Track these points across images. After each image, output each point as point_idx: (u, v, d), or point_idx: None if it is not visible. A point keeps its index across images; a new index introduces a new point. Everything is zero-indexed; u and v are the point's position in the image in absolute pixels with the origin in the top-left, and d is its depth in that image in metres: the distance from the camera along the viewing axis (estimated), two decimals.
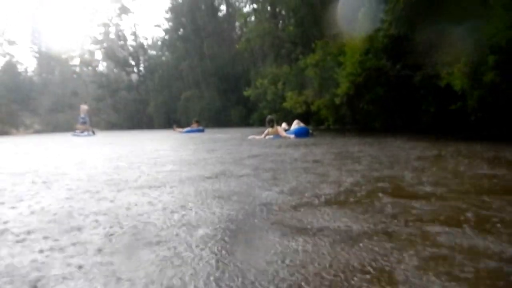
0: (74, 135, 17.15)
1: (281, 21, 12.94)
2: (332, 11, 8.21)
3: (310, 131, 8.07)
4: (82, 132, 17.38)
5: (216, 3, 26.51)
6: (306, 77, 9.72)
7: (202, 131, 15.02)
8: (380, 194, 1.92)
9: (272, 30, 11.72)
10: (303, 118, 9.29)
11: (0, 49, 43.34)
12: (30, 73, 43.80)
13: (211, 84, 24.18)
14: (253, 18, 16.91)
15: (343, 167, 3.10)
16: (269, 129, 8.28)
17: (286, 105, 8.87)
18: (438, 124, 6.64)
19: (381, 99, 6.63)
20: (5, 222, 1.60)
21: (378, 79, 6.44)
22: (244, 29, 19.37)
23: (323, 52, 7.68)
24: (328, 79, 7.51)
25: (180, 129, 16.27)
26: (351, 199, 1.86)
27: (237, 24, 25.24)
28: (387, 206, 1.67)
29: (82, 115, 17.88)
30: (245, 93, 12.00)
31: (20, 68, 43.71)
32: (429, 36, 5.69)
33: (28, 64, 44.17)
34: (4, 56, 43.47)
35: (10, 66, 42.97)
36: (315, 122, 9.39)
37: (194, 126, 15.57)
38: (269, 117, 8.49)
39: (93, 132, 18.65)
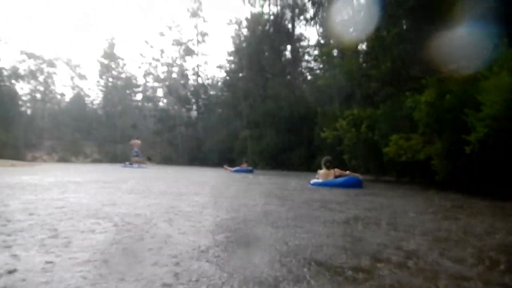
0: (125, 166, 18.21)
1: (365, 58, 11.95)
2: (440, 45, 7.17)
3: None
4: (132, 164, 18.40)
5: (281, 46, 26.49)
6: (400, 120, 8.58)
7: (251, 171, 15.09)
8: None
9: (361, 68, 10.75)
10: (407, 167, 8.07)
11: (71, 82, 46.66)
12: (95, 106, 46.19)
13: (272, 124, 23.52)
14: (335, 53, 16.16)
15: None
16: (323, 171, 7.53)
17: (388, 151, 7.62)
18: None
19: None
20: None
21: None
22: (325, 66, 18.60)
23: (440, 90, 6.48)
24: (444, 122, 6.27)
25: (230, 168, 16.45)
26: None
27: (303, 64, 24.95)
28: None
29: (135, 149, 19.07)
30: (323, 135, 10.93)
31: (87, 101, 46.45)
32: None
33: (94, 97, 46.35)
34: (74, 89, 46.59)
35: (78, 98, 45.74)
36: (420, 173, 8.06)
37: (243, 166, 15.92)
38: (327, 157, 7.76)
39: (146, 164, 19.26)
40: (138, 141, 19.61)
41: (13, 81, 40.57)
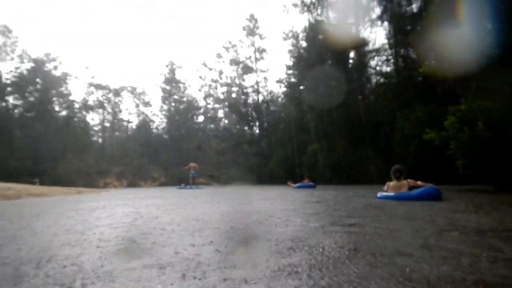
0: (180, 188, 19.45)
1: None
2: None
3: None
4: (190, 185, 19.69)
5: (345, 51, 24.96)
6: None
7: (313, 186, 14.68)
8: None
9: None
10: None
11: (137, 109, 48.69)
12: (160, 130, 47.60)
13: (343, 135, 21.88)
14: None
15: None
16: (393, 183, 6.47)
17: None
18: None
19: None
20: None
21: None
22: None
23: None
24: None
25: (293, 184, 16.06)
26: None
27: (371, 64, 23.21)
28: None
29: (191, 171, 20.41)
30: (425, 137, 9.14)
31: (152, 126, 48.07)
32: None
33: (159, 122, 47.88)
34: (139, 116, 48.53)
35: (144, 124, 47.49)
36: None
37: (306, 182, 15.57)
38: (397, 166, 6.65)
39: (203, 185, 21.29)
40: (193, 164, 21.01)
41: (84, 113, 43.27)
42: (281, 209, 5.06)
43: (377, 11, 21.84)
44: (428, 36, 13.02)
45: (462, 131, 8.07)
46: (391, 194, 6.28)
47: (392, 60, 21.63)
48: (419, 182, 6.31)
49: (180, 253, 2.04)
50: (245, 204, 6.40)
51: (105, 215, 4.55)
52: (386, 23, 21.19)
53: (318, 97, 25.73)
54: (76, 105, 41.30)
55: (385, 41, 22.30)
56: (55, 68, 38.39)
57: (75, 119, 40.74)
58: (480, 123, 7.83)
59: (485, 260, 1.75)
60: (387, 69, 22.25)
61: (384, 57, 22.35)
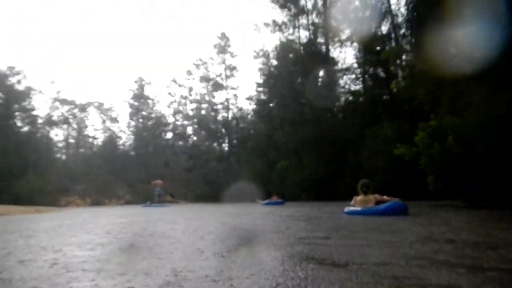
0: (145, 206, 19.03)
1: None
2: None
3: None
4: (154, 204, 19.25)
5: (315, 70, 25.31)
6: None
7: (282, 203, 14.79)
8: None
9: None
10: None
11: (103, 126, 47.04)
12: (127, 147, 46.09)
13: (312, 152, 21.86)
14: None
15: None
16: (360, 197, 6.44)
17: None
18: None
19: None
20: None
21: None
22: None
23: None
24: None
25: (261, 202, 16.13)
26: None
27: (340, 83, 23.62)
28: None
29: (157, 189, 20.08)
30: (396, 152, 9.11)
31: (119, 142, 46.47)
32: None
33: (126, 138, 46.42)
34: (106, 132, 46.87)
35: (110, 141, 45.86)
36: None
37: (274, 199, 15.64)
38: (364, 181, 6.65)
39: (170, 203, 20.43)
40: (160, 181, 20.71)
41: (47, 128, 41.34)
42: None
43: (347, 32, 22.39)
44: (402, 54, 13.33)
45: (433, 146, 8.06)
46: (359, 209, 6.24)
47: (361, 79, 22.12)
48: (385, 197, 6.31)
49: None
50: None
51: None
52: (355, 44, 21.73)
53: (288, 114, 25.84)
54: (40, 120, 39.40)
55: (354, 60, 22.89)
56: (19, 82, 36.58)
57: (38, 135, 38.80)
58: (450, 138, 7.85)
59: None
60: (356, 87, 22.73)
61: (353, 76, 22.85)
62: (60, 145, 44.41)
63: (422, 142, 8.31)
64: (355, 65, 22.61)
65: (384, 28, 19.83)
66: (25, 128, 37.40)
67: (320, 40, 25.81)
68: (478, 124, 7.38)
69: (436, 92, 8.75)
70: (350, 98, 22.29)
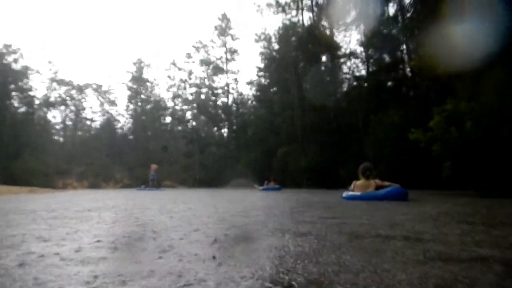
0: (139, 189, 19.39)
1: None
2: None
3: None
4: (146, 187, 19.74)
5: (318, 54, 24.60)
6: None
7: (279, 189, 15.19)
8: None
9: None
10: None
11: (101, 108, 46.36)
12: (125, 130, 45.57)
13: (314, 138, 21.38)
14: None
15: None
16: (360, 182, 6.33)
17: None
18: None
19: None
20: None
21: None
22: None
23: None
24: None
25: (259, 187, 16.65)
26: None
27: (344, 68, 23.02)
28: None
29: (151, 173, 20.35)
30: (411, 137, 8.59)
31: (117, 126, 45.91)
32: None
33: (124, 122, 45.84)
34: (104, 115, 46.22)
35: (108, 124, 45.28)
36: None
37: (271, 184, 16.17)
38: (366, 164, 6.53)
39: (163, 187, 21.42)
40: (154, 165, 20.94)
41: (45, 109, 40.73)
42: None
43: (353, 14, 21.60)
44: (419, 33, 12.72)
45: (449, 131, 7.57)
46: (358, 193, 6.09)
47: (365, 64, 21.49)
48: (386, 183, 6.18)
49: None
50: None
51: None
52: (360, 27, 21.01)
53: (289, 100, 25.25)
54: (37, 101, 38.75)
55: (359, 45, 22.21)
56: (15, 61, 35.80)
57: (35, 116, 38.23)
58: (468, 123, 7.36)
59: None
60: (360, 72, 22.12)
61: (357, 61, 22.21)
62: (57, 127, 43.93)
63: (438, 127, 7.80)
64: (360, 50, 21.94)
65: (391, 10, 19.14)
66: (22, 109, 36.86)
67: (324, 23, 25.04)
68: (498, 108, 6.89)
69: (455, 74, 8.19)
70: (354, 83, 21.67)
